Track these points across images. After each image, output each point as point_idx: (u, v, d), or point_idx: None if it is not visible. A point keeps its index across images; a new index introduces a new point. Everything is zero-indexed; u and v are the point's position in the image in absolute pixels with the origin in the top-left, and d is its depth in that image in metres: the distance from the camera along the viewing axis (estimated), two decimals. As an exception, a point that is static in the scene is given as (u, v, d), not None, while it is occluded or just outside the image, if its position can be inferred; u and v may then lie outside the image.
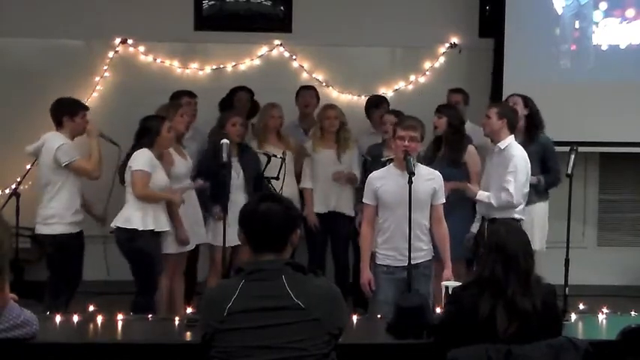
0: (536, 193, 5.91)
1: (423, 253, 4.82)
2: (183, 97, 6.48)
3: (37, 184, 5.76)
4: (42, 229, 5.64)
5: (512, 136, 5.53)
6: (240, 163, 5.95)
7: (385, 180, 4.81)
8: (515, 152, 5.43)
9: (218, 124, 6.08)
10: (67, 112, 5.67)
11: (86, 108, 5.86)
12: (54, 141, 5.58)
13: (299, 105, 7.02)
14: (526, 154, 5.50)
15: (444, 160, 5.79)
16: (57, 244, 5.60)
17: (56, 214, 5.57)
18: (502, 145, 5.49)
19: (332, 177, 6.38)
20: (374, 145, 6.28)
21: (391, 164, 4.93)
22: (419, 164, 4.86)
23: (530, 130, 5.97)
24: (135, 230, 5.31)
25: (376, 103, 6.95)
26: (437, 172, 4.93)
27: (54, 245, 5.61)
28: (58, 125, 5.67)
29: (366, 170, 5.99)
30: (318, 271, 3.15)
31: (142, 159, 5.33)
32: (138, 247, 5.32)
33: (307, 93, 7.04)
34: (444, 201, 4.92)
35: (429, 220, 4.86)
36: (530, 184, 5.70)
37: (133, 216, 5.32)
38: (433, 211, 4.86)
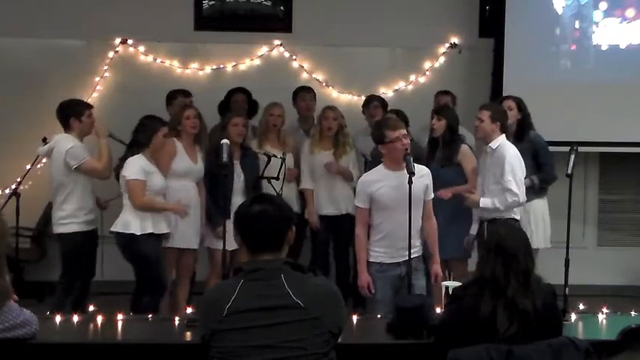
0: (533, 191, 5.89)
1: (415, 249, 4.81)
2: (177, 97, 6.50)
3: (49, 186, 5.79)
4: (58, 229, 5.71)
5: (504, 135, 5.51)
6: (242, 165, 5.94)
7: (380, 183, 4.77)
8: (507, 151, 5.40)
9: (220, 126, 6.04)
10: (72, 113, 5.70)
11: (90, 106, 5.91)
12: (64, 144, 5.62)
13: (299, 108, 7.00)
14: (517, 151, 5.48)
15: (439, 161, 5.79)
16: (72, 243, 5.67)
17: (70, 214, 5.64)
18: (494, 145, 5.45)
19: (324, 167, 6.34)
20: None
21: (380, 165, 4.88)
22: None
23: (519, 132, 5.93)
24: (133, 235, 5.34)
25: (367, 102, 6.97)
26: (426, 169, 4.94)
27: (69, 243, 5.68)
28: (66, 127, 5.72)
29: (367, 170, 5.99)
30: (317, 270, 3.15)
31: (135, 167, 5.37)
32: (138, 251, 5.37)
33: (308, 95, 7.02)
34: (433, 196, 4.94)
35: (422, 216, 4.87)
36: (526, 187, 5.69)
37: (131, 221, 5.36)
38: (423, 207, 4.87)
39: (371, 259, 4.84)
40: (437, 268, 4.86)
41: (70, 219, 5.64)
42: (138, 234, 5.34)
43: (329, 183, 6.41)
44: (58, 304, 5.49)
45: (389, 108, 6.80)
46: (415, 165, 4.84)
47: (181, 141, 5.77)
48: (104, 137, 5.74)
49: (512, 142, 5.63)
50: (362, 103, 7.09)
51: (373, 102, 6.92)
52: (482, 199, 5.46)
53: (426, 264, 4.95)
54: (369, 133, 6.77)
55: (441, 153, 5.85)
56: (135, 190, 5.34)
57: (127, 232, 5.35)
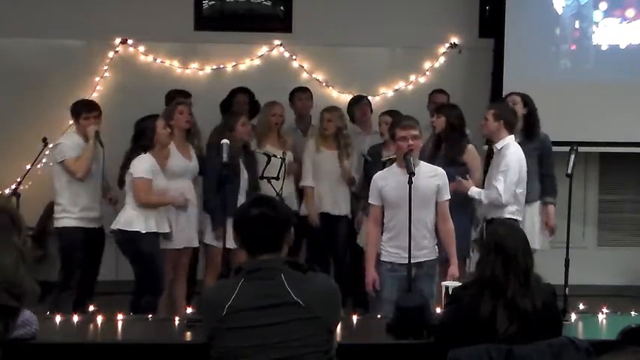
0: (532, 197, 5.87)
1: (427, 251, 4.82)
2: (177, 98, 6.48)
3: (49, 185, 5.91)
4: (55, 223, 5.83)
5: (512, 136, 5.51)
6: (245, 164, 5.94)
7: (388, 180, 4.82)
8: (509, 151, 5.41)
9: (224, 126, 5.96)
10: (73, 114, 5.85)
11: (92, 109, 5.87)
12: (59, 139, 5.82)
13: (297, 108, 7.01)
14: (522, 154, 5.46)
15: (444, 159, 5.78)
16: (66, 238, 5.74)
17: (64, 209, 5.73)
18: (499, 145, 5.47)
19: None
20: (374, 146, 6.28)
21: (394, 164, 4.92)
22: (421, 162, 4.86)
23: (528, 129, 5.92)
24: (137, 232, 5.34)
25: (355, 100, 6.98)
26: (440, 169, 4.92)
27: (64, 238, 5.76)
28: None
29: (367, 170, 5.98)
30: (315, 267, 3.16)
31: (142, 166, 5.38)
32: (140, 249, 5.36)
33: (304, 95, 7.04)
34: (449, 197, 4.92)
35: (434, 217, 4.86)
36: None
37: (135, 219, 5.36)
38: (438, 208, 4.85)
39: (383, 259, 4.85)
40: (453, 269, 4.80)
41: (63, 213, 5.72)
42: (143, 232, 5.35)
43: (332, 183, 6.42)
44: (54, 300, 5.52)
45: (390, 108, 6.80)
46: (427, 165, 4.90)
47: (173, 139, 5.70)
48: (90, 139, 5.73)
49: (522, 141, 5.63)
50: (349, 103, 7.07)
51: (363, 100, 6.95)
52: (472, 187, 5.50)
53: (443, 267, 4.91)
54: (356, 132, 6.81)
55: (445, 151, 5.85)
56: (140, 189, 5.34)
57: (130, 229, 5.34)
